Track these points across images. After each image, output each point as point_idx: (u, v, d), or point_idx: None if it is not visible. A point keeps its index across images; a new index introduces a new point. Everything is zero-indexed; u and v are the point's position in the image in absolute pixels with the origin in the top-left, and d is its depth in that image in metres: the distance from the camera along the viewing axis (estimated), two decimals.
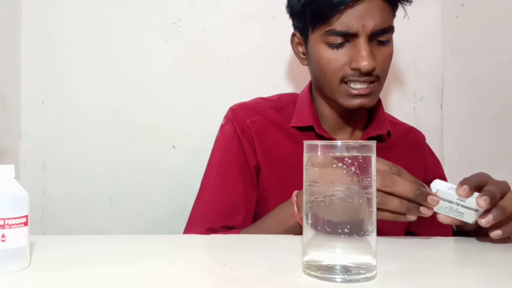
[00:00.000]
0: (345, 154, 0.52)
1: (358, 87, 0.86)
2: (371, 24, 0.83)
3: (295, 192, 0.80)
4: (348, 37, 0.84)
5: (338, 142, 0.53)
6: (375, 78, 0.86)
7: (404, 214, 0.67)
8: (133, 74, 1.31)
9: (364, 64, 0.83)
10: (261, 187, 0.96)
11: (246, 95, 1.10)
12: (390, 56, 0.89)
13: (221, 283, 0.52)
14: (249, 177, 0.94)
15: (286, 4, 0.95)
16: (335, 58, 0.86)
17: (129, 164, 1.30)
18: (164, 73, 1.31)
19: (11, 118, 1.26)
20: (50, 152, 1.30)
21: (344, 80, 0.87)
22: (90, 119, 1.30)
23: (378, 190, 0.65)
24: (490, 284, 0.51)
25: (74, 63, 1.30)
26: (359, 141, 0.53)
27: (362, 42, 0.84)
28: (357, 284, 0.51)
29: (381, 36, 0.85)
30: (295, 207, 0.78)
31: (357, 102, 0.87)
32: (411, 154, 1.00)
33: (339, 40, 0.85)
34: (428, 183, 0.78)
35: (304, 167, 0.56)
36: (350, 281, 0.51)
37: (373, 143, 0.54)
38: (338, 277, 0.52)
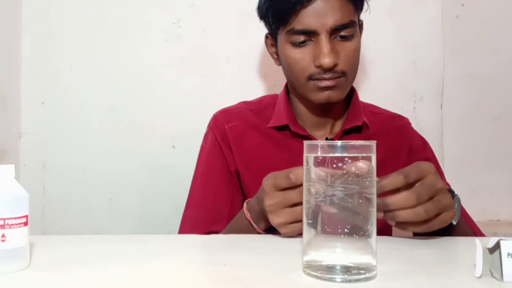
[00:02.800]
0: (345, 154, 0.52)
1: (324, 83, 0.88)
2: (330, 21, 0.85)
3: (245, 204, 0.82)
4: (309, 35, 0.86)
5: (338, 142, 0.53)
6: (340, 74, 0.88)
7: None
8: (133, 74, 1.31)
9: (326, 60, 0.84)
10: (244, 191, 0.98)
11: (246, 95, 1.10)
12: (355, 51, 0.90)
13: (221, 283, 0.52)
14: (233, 183, 0.97)
15: (256, 7, 0.97)
16: (301, 57, 0.88)
17: (129, 164, 1.30)
18: (164, 73, 1.31)
19: (11, 118, 1.26)
20: (50, 152, 1.30)
21: (311, 78, 0.89)
22: (90, 119, 1.30)
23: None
24: (491, 284, 0.51)
25: (74, 63, 1.30)
26: (359, 141, 0.53)
27: (323, 39, 0.85)
28: (357, 284, 0.51)
29: (343, 31, 0.87)
30: (252, 223, 0.80)
31: (324, 95, 0.89)
32: (394, 142, 1.00)
33: (301, 38, 0.87)
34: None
35: (304, 167, 0.56)
36: (350, 281, 0.51)
37: (373, 143, 0.54)
38: (338, 277, 0.52)
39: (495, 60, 1.37)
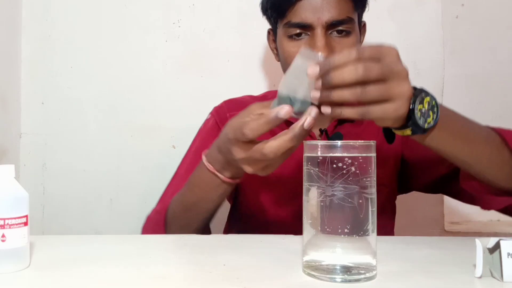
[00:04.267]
0: (345, 154, 0.52)
1: None
2: (326, 16, 0.85)
3: (204, 157, 0.80)
4: (305, 28, 0.87)
5: (338, 142, 0.53)
6: None
7: None
8: (133, 74, 1.31)
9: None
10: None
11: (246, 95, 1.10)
12: (351, 47, 0.88)
13: (221, 283, 0.52)
14: None
15: (259, 2, 0.97)
16: (296, 50, 0.88)
17: (129, 164, 1.30)
18: (164, 73, 1.31)
19: (11, 118, 1.26)
20: (50, 152, 1.30)
21: None
22: (90, 119, 1.30)
23: None
24: (491, 284, 0.51)
25: (74, 63, 1.30)
26: (359, 141, 0.53)
27: (318, 33, 0.85)
28: (357, 284, 0.51)
29: (339, 27, 0.87)
30: (217, 173, 0.77)
31: None
32: None
33: (297, 30, 0.88)
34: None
35: (304, 167, 0.56)
36: (350, 281, 0.51)
37: (373, 143, 0.54)
38: (338, 277, 0.52)
39: (495, 60, 1.37)
